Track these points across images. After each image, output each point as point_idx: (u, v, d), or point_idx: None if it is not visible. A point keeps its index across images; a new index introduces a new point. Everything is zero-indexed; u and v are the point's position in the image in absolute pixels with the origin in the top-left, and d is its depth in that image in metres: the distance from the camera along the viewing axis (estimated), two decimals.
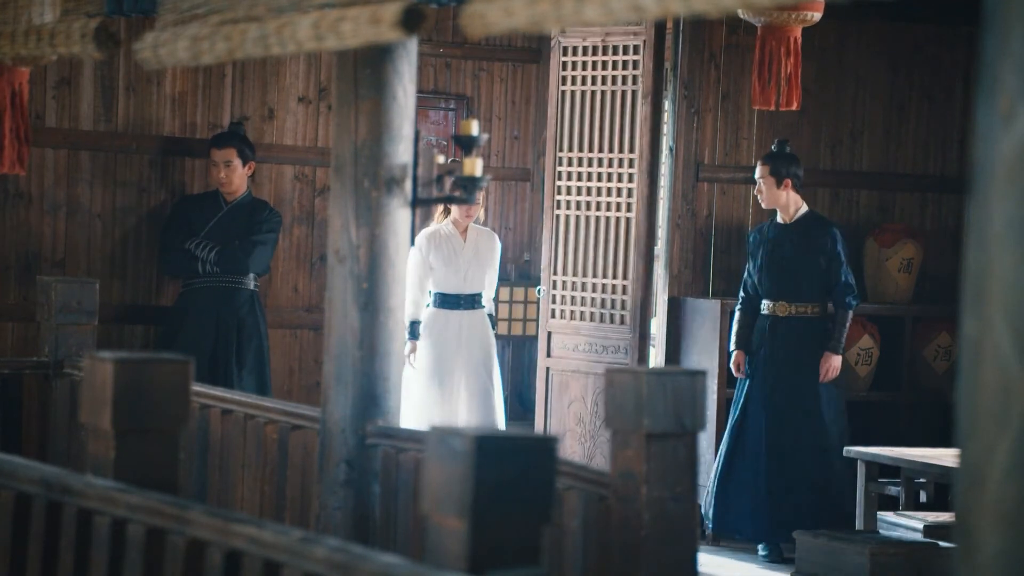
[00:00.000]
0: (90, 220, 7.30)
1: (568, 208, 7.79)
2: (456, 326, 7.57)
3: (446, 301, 7.60)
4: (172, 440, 3.21)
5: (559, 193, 7.81)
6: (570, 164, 7.80)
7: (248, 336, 7.20)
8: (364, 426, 4.32)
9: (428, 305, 7.63)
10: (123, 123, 7.35)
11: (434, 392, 7.49)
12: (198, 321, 7.13)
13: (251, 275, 7.25)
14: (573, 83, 7.74)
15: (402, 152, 4.35)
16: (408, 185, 4.40)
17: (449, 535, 2.58)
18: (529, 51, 8.46)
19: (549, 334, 7.80)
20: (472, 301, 7.64)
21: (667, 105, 7.68)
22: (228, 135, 7.28)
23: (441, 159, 5.86)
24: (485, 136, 5.38)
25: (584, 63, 7.74)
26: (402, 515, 4.34)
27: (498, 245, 7.75)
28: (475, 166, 4.99)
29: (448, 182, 6.38)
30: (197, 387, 4.78)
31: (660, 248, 7.77)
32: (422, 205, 5.44)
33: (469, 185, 4.97)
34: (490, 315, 7.68)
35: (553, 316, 7.79)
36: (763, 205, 7.27)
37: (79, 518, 3.09)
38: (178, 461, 3.24)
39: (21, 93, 4.36)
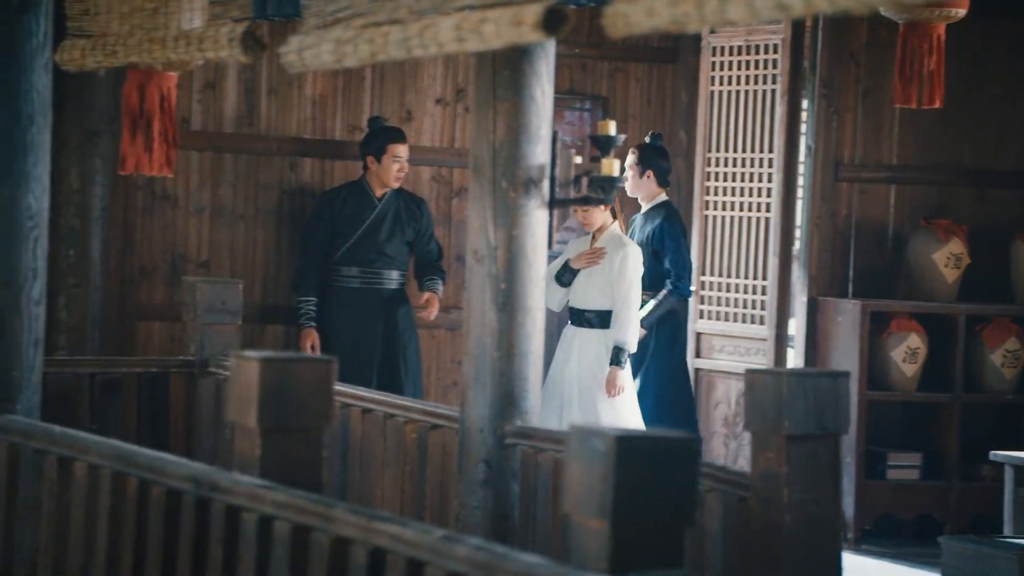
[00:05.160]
0: (233, 221, 7.43)
1: (715, 209, 7.76)
2: (567, 344, 6.78)
3: (568, 313, 6.86)
4: (316, 439, 3.25)
5: (707, 194, 7.78)
6: (716, 165, 7.77)
7: (409, 337, 7.25)
8: (503, 426, 4.34)
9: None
10: (265, 125, 7.47)
11: (544, 412, 6.55)
12: (364, 325, 7.15)
13: (403, 273, 7.30)
14: (722, 83, 7.71)
15: (540, 153, 4.36)
16: (545, 186, 4.41)
17: (590, 535, 2.58)
18: (666, 51, 8.42)
19: (698, 335, 7.76)
20: (581, 318, 6.77)
21: (806, 104, 7.60)
22: (403, 131, 7.35)
23: (578, 160, 5.86)
24: (622, 136, 5.37)
25: (729, 63, 7.70)
26: (541, 515, 4.35)
27: (627, 258, 6.77)
28: (612, 167, 4.99)
29: (585, 183, 6.37)
30: (338, 386, 4.83)
31: (798, 248, 7.70)
32: (559, 206, 5.45)
33: (607, 186, 4.97)
34: (617, 347, 6.68)
35: (701, 317, 7.75)
36: (628, 193, 7.34)
37: (227, 515, 3.15)
38: (321, 459, 3.28)
39: (169, 97, 4.46)
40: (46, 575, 3.61)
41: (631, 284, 6.81)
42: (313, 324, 7.14)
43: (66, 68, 4.24)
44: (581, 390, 6.76)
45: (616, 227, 6.95)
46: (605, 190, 4.71)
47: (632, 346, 6.81)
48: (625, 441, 2.55)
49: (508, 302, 4.33)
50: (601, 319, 6.81)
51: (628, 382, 6.83)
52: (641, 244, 7.13)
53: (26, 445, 3.70)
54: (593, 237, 6.91)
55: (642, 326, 7.10)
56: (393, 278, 7.27)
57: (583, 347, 6.80)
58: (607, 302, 6.81)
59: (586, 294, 6.83)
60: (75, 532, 3.53)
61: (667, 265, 7.30)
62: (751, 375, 3.67)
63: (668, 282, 7.22)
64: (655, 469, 2.55)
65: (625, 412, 6.80)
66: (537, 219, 4.37)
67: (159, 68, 4.23)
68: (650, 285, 7.22)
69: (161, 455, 3.41)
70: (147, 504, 3.34)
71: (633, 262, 6.85)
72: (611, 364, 6.71)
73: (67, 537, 3.56)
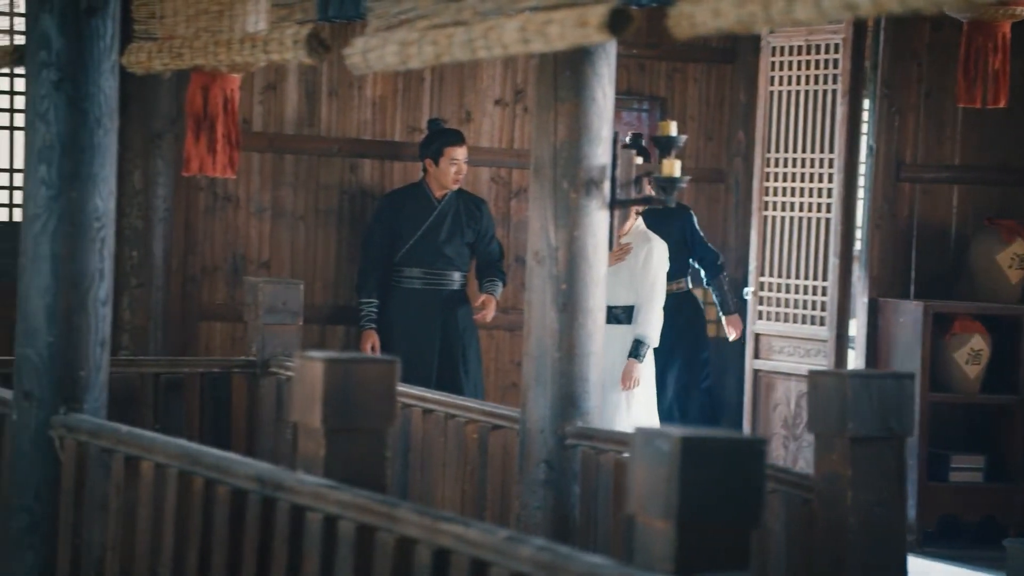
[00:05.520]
0: (294, 222, 7.48)
1: (774, 209, 7.73)
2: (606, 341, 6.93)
3: None
4: (380, 439, 3.27)
5: (766, 194, 7.75)
6: (776, 165, 7.74)
7: (470, 338, 7.27)
8: (563, 427, 4.34)
9: None
10: (325, 127, 7.51)
11: None
12: (423, 325, 7.17)
13: (464, 274, 7.33)
14: (781, 83, 7.68)
15: (601, 154, 4.36)
16: (606, 187, 4.41)
17: (655, 536, 2.58)
18: (724, 51, 8.39)
19: (757, 336, 7.74)
20: (608, 314, 6.55)
21: (867, 104, 7.56)
22: (461, 133, 7.36)
23: (639, 161, 5.86)
24: (683, 137, 5.37)
25: (789, 63, 7.67)
26: (602, 516, 4.35)
27: (652, 252, 6.81)
28: (674, 167, 4.99)
29: (647, 184, 6.37)
30: (399, 387, 4.85)
31: (859, 249, 7.65)
32: (620, 207, 5.45)
33: (668, 186, 4.97)
34: (637, 340, 6.75)
35: (760, 318, 7.74)
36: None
37: (292, 514, 3.17)
38: (385, 460, 3.30)
39: (232, 99, 4.50)
40: (114, 573, 3.65)
41: (655, 279, 6.86)
42: (373, 326, 7.17)
43: (133, 71, 4.28)
44: (603, 386, 6.74)
45: (641, 223, 7.00)
46: (667, 191, 4.71)
47: (654, 340, 6.86)
48: (691, 442, 2.54)
49: (569, 303, 4.34)
50: (628, 315, 6.84)
51: (645, 376, 6.85)
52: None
53: (94, 444, 3.74)
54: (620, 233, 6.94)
55: (735, 312, 7.64)
56: (455, 279, 7.30)
57: (609, 343, 6.76)
58: (634, 297, 6.83)
59: (613, 290, 6.76)
60: (142, 530, 3.56)
61: (701, 254, 7.64)
62: (814, 376, 3.66)
63: (721, 269, 7.69)
64: (721, 470, 2.54)
65: (638, 406, 6.79)
66: (598, 220, 4.37)
67: (224, 70, 4.27)
68: (678, 273, 7.50)
69: (226, 455, 3.43)
70: (213, 503, 3.36)
71: (658, 257, 6.90)
72: (629, 356, 6.73)
73: (134, 535, 3.59)
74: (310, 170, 7.50)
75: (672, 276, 7.29)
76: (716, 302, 7.76)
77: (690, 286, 7.78)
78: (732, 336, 7.71)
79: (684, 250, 7.61)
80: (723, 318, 7.72)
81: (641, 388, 6.81)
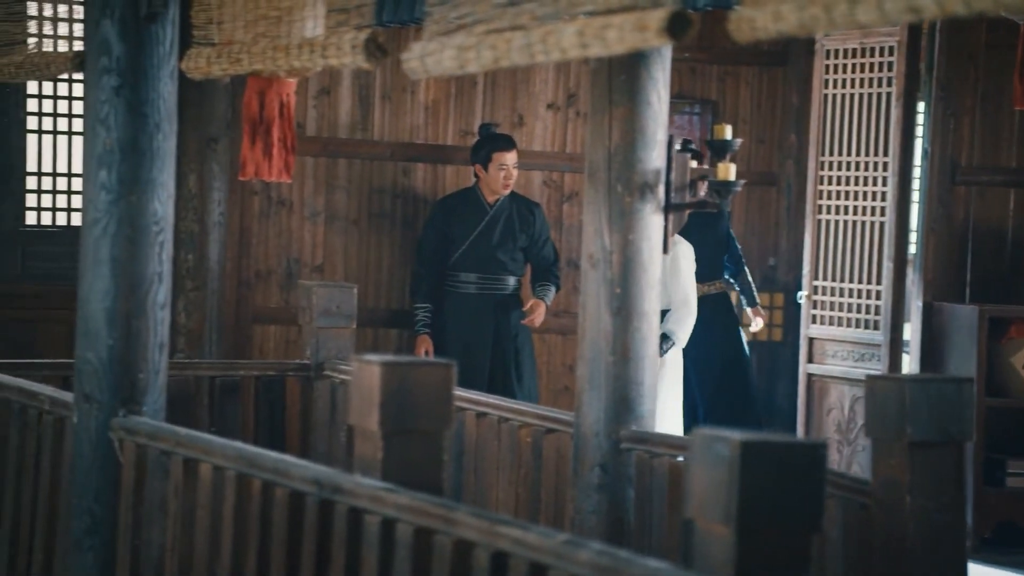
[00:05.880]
0: (347, 226, 7.51)
1: (828, 213, 7.71)
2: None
3: None
4: (436, 442, 3.27)
5: (820, 198, 7.72)
6: (830, 168, 7.71)
7: (523, 342, 7.28)
8: (618, 430, 4.34)
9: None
10: (378, 131, 7.55)
11: None
12: (477, 330, 7.19)
13: (517, 279, 7.34)
14: (835, 86, 7.65)
15: (655, 158, 4.36)
16: (661, 191, 4.40)
17: (715, 541, 2.57)
18: (776, 54, 8.37)
19: (811, 340, 7.72)
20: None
21: (922, 107, 7.52)
22: (510, 138, 7.37)
23: (694, 164, 5.86)
24: (738, 141, 5.36)
25: (843, 66, 7.64)
26: (656, 520, 4.34)
27: (679, 256, 6.93)
28: (729, 171, 4.98)
29: (702, 187, 6.36)
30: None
31: (914, 253, 7.61)
32: (675, 210, 5.45)
33: (723, 190, 4.96)
34: (664, 334, 6.82)
35: (814, 322, 7.72)
36: None
37: (350, 517, 3.18)
38: (442, 463, 3.30)
39: (288, 104, 4.52)
40: (173, 575, 3.67)
41: (686, 281, 6.93)
42: (428, 331, 7.19)
43: (192, 76, 4.31)
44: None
45: None
46: (722, 195, 4.71)
47: (681, 340, 6.87)
48: (750, 446, 2.53)
49: (623, 306, 4.33)
50: (659, 318, 6.86)
51: (670, 375, 6.82)
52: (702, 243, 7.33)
53: (153, 446, 3.76)
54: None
55: (760, 306, 7.76)
56: (508, 284, 7.31)
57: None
58: (665, 301, 6.85)
59: (663, 293, 6.83)
60: (201, 532, 3.59)
61: (731, 251, 7.74)
62: (872, 381, 3.64)
63: (744, 264, 7.81)
64: (781, 474, 2.53)
65: (662, 404, 6.74)
66: (652, 223, 4.37)
67: (281, 75, 4.30)
68: (715, 274, 7.60)
69: (284, 457, 3.45)
70: (271, 505, 3.38)
71: (684, 259, 6.97)
72: None
73: (193, 537, 3.62)
74: (363, 174, 7.53)
75: (708, 277, 7.37)
76: (743, 296, 7.82)
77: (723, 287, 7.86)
78: (758, 326, 7.84)
79: (722, 251, 7.67)
80: (748, 310, 7.83)
81: (666, 387, 6.80)
